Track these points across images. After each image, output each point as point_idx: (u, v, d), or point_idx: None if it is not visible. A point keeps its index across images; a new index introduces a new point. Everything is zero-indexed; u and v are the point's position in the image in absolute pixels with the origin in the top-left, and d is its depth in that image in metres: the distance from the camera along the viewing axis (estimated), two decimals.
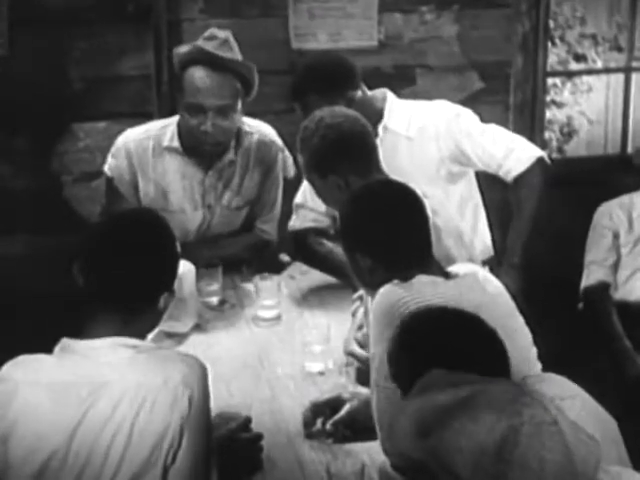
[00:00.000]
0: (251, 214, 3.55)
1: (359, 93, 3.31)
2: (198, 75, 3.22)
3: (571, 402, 1.91)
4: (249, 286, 3.26)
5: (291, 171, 3.57)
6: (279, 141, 3.54)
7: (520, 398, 1.59)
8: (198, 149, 3.35)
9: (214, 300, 3.20)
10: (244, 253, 3.50)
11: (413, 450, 1.62)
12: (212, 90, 3.21)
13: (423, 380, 1.72)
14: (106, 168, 3.44)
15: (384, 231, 2.33)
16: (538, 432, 1.53)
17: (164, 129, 3.41)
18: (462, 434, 1.55)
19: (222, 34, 3.29)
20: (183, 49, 3.31)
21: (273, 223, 3.59)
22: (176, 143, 3.37)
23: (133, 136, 3.42)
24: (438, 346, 1.87)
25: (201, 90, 3.21)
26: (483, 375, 1.73)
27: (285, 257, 3.55)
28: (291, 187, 3.54)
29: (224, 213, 3.49)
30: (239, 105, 3.29)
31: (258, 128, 3.50)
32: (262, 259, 3.52)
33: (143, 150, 3.38)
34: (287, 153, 3.54)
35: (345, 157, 2.82)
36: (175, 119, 3.40)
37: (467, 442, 1.55)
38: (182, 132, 3.36)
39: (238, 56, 3.30)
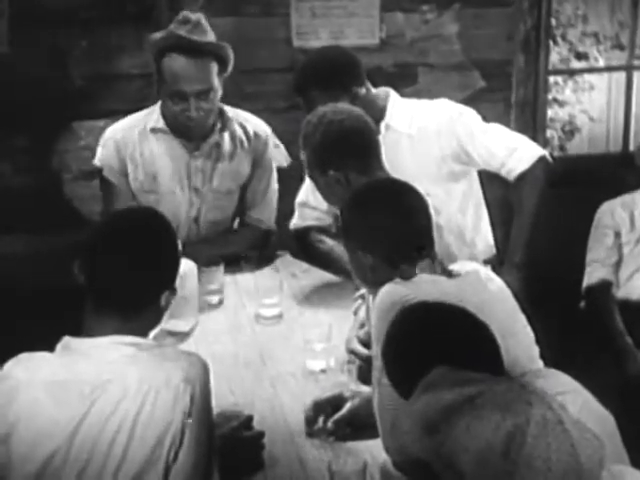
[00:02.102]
0: (244, 203, 3.57)
1: (363, 90, 3.30)
2: (176, 62, 3.26)
3: (570, 397, 1.91)
4: (250, 284, 3.27)
5: (283, 160, 3.61)
6: (268, 129, 3.57)
7: (526, 397, 1.59)
8: (184, 132, 3.40)
9: (215, 299, 3.19)
10: (246, 249, 3.51)
11: (417, 448, 1.62)
12: (192, 76, 3.25)
13: (427, 379, 1.72)
14: (96, 160, 3.49)
15: (386, 229, 2.33)
16: (544, 432, 1.53)
17: (148, 115, 3.46)
18: (468, 433, 1.55)
19: (194, 17, 3.33)
20: (158, 36, 3.34)
21: (269, 212, 3.60)
22: (161, 124, 3.42)
23: (119, 126, 3.48)
24: (426, 345, 1.88)
25: (181, 77, 3.25)
26: (476, 369, 1.74)
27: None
28: (286, 177, 3.54)
29: (216, 197, 3.51)
30: (218, 84, 3.33)
31: (244, 116, 3.54)
32: (264, 251, 3.55)
33: (130, 137, 3.43)
34: (277, 141, 3.57)
35: (346, 153, 2.82)
36: (158, 104, 3.45)
37: (473, 441, 1.54)
38: (166, 116, 3.41)
39: (212, 37, 3.33)
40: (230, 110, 3.48)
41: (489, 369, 1.79)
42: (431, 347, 1.86)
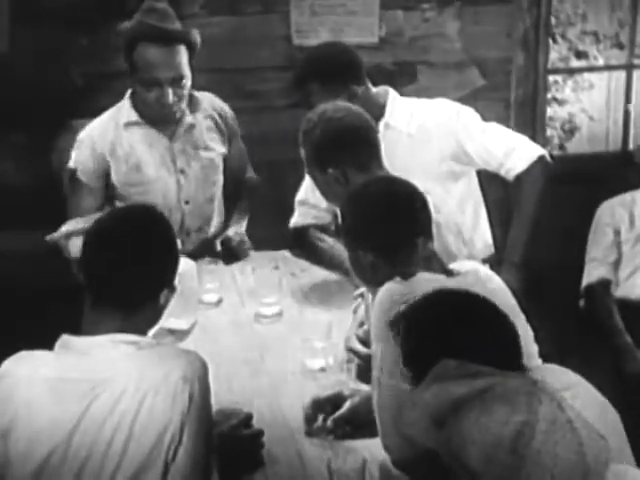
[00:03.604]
0: (234, 172, 3.68)
1: (362, 88, 3.30)
2: (149, 51, 3.32)
3: (574, 391, 1.91)
4: (249, 282, 3.27)
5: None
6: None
7: (536, 394, 1.59)
8: (158, 120, 3.45)
9: (214, 298, 3.19)
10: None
11: (424, 438, 1.62)
12: (165, 63, 3.32)
13: (435, 370, 1.71)
14: (70, 162, 3.50)
15: (386, 228, 2.33)
16: (553, 429, 1.54)
17: (117, 112, 3.50)
18: (477, 426, 1.55)
19: (161, 5, 3.39)
20: (127, 25, 3.39)
21: (250, 166, 3.77)
22: (134, 117, 3.46)
23: (93, 126, 3.51)
24: (450, 334, 1.85)
25: (155, 65, 3.31)
26: (495, 361, 1.72)
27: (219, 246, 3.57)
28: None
29: (204, 172, 3.56)
30: (188, 70, 3.38)
31: (207, 95, 3.61)
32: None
33: (105, 134, 3.47)
34: None
35: (345, 151, 2.82)
36: (125, 100, 3.49)
37: (481, 434, 1.55)
38: (138, 105, 3.45)
39: (178, 24, 3.39)
40: (196, 92, 3.55)
41: (510, 361, 1.77)
42: (455, 337, 1.82)
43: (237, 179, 3.71)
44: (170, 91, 3.33)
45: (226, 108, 3.64)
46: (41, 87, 4.01)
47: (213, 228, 3.64)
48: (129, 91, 3.48)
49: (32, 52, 4.00)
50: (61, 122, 4.13)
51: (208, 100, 3.59)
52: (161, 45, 3.30)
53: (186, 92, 3.41)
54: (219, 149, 3.60)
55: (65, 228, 3.29)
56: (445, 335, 1.82)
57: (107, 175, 3.47)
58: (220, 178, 3.63)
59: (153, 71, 3.30)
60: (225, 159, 3.63)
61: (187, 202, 3.54)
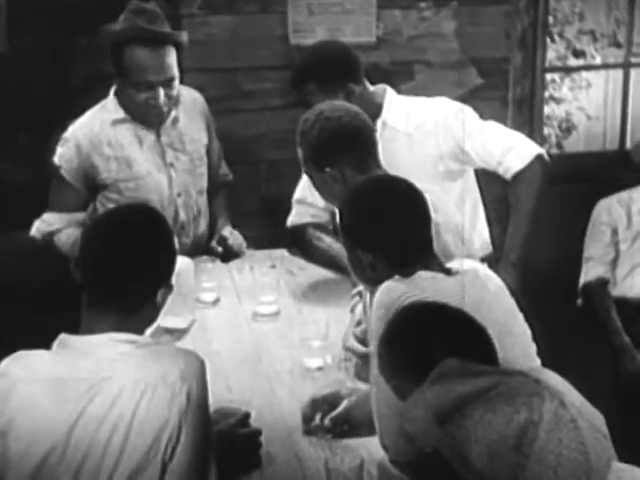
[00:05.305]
0: (213, 165, 3.70)
1: (360, 87, 3.30)
2: (141, 53, 3.32)
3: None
4: (247, 281, 3.27)
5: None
6: None
7: (539, 392, 1.60)
8: (146, 119, 3.45)
9: (211, 297, 3.19)
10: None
11: (426, 436, 1.62)
12: (157, 66, 3.33)
13: (438, 369, 1.72)
14: (55, 158, 3.50)
15: (386, 227, 2.33)
16: (557, 428, 1.54)
17: (102, 110, 3.49)
18: (480, 424, 1.56)
19: (149, 6, 3.39)
20: (117, 27, 3.38)
21: (224, 163, 3.77)
22: (121, 114, 3.46)
23: (78, 125, 3.50)
24: (422, 347, 1.88)
25: (147, 68, 3.31)
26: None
27: (218, 248, 3.56)
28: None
29: (193, 164, 3.57)
30: (177, 71, 3.40)
31: (182, 87, 3.59)
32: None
33: (91, 132, 3.46)
34: None
35: (343, 151, 2.82)
36: (111, 95, 3.49)
37: (485, 432, 1.55)
38: (125, 104, 3.44)
39: (167, 24, 3.40)
40: None
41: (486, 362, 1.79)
42: (427, 349, 1.86)
43: (214, 173, 3.72)
44: (162, 93, 3.34)
45: (203, 100, 3.65)
46: (40, 87, 4.01)
47: (205, 219, 3.65)
48: (113, 89, 3.47)
49: (31, 52, 4.00)
50: (61, 122, 4.13)
51: (186, 92, 3.58)
52: (152, 48, 3.30)
53: (175, 92, 3.41)
54: (203, 140, 3.61)
55: (45, 223, 3.32)
56: (421, 352, 1.85)
57: (91, 176, 3.47)
58: (206, 170, 3.64)
59: (145, 74, 3.31)
60: (208, 150, 3.64)
61: (179, 195, 3.55)
